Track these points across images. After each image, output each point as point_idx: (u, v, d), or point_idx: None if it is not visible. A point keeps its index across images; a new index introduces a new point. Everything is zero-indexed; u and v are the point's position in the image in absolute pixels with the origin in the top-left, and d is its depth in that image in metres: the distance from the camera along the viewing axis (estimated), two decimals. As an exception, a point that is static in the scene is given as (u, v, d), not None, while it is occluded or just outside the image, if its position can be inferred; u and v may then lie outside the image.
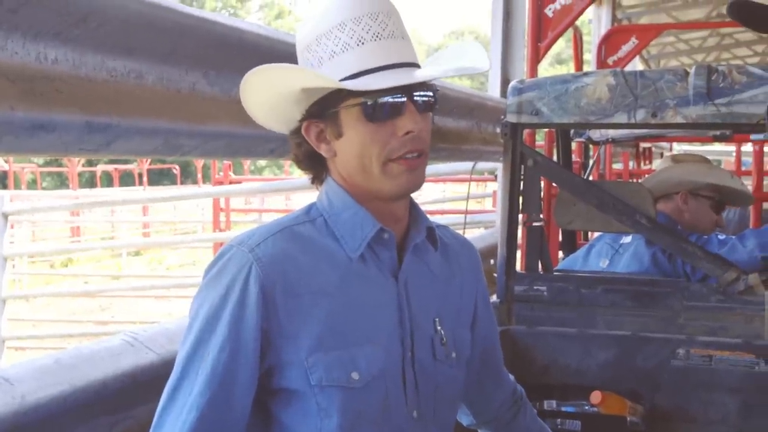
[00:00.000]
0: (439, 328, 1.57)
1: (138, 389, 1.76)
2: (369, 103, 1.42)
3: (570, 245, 3.83)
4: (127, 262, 16.51)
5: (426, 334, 1.55)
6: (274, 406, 1.46)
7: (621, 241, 3.26)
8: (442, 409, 1.58)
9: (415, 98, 1.44)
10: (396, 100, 1.42)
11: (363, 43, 1.43)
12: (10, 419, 1.47)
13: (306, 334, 1.42)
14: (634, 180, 8.36)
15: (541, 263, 3.03)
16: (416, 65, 1.48)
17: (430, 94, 1.47)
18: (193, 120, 1.90)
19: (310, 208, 1.55)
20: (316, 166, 1.55)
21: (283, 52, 2.13)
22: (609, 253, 3.29)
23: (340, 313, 1.45)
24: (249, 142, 2.13)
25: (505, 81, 4.75)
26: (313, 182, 1.58)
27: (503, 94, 4.49)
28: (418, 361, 1.52)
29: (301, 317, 1.42)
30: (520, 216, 2.95)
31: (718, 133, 3.98)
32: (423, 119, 1.46)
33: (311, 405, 1.42)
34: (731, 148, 10.64)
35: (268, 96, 1.48)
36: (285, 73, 1.44)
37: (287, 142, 1.62)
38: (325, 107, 1.46)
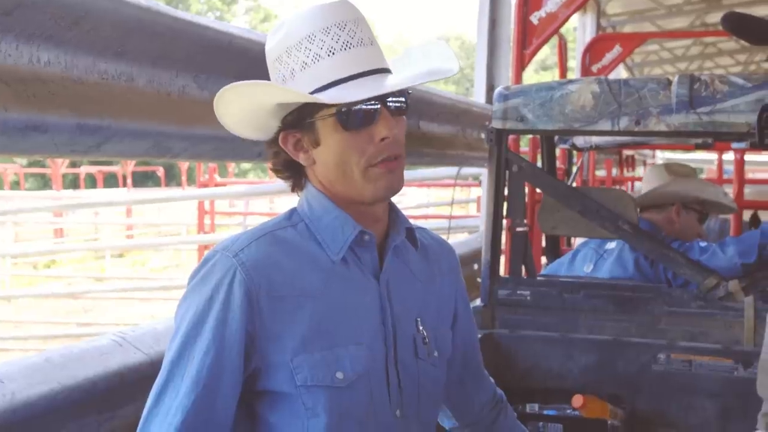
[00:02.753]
0: (420, 327, 1.60)
1: (125, 389, 1.77)
2: (343, 111, 1.45)
3: (553, 251, 3.86)
4: (111, 263, 16.45)
5: (408, 333, 1.58)
6: (260, 407, 1.49)
7: (606, 247, 3.30)
8: (425, 408, 1.61)
9: (389, 104, 1.48)
10: (369, 107, 1.46)
11: (333, 53, 1.46)
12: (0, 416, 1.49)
13: (290, 335, 1.44)
14: (618, 186, 8.41)
15: (525, 268, 3.06)
16: (386, 70, 1.52)
17: (402, 99, 1.51)
18: (182, 123, 1.92)
19: (291, 213, 1.58)
20: (294, 174, 1.58)
21: (272, 57, 2.16)
22: (593, 258, 3.33)
23: (323, 315, 1.47)
24: (237, 146, 2.15)
25: (490, 87, 4.78)
26: (293, 190, 1.61)
27: (488, 100, 4.52)
28: (401, 361, 1.55)
29: (285, 319, 1.45)
30: (504, 221, 2.99)
31: (700, 141, 4.02)
32: (397, 123, 1.49)
33: (298, 405, 1.45)
34: (713, 156, 10.73)
35: (242, 108, 1.51)
36: (258, 89, 1.47)
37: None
38: (300, 118, 1.49)
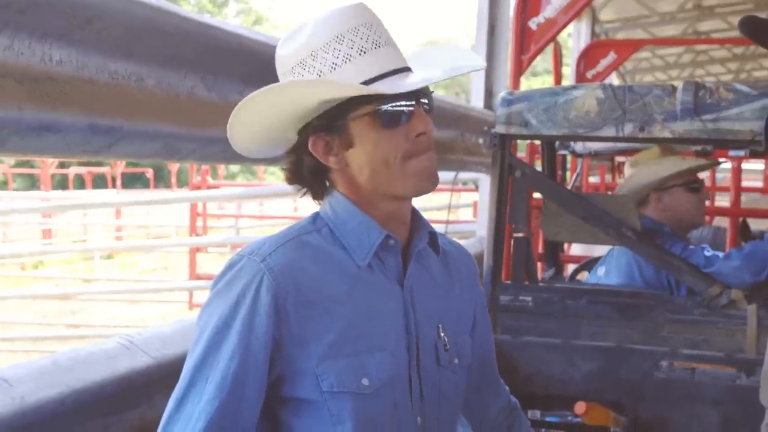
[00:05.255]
0: (442, 334, 1.59)
1: (133, 392, 1.76)
2: (383, 109, 1.43)
3: (552, 257, 3.86)
4: (99, 265, 16.38)
5: (430, 340, 1.56)
6: (284, 413, 1.47)
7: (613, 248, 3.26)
8: (445, 416, 1.60)
9: (422, 102, 1.48)
10: (406, 105, 1.45)
11: (364, 53, 1.45)
12: (9, 419, 1.47)
13: (317, 342, 1.43)
14: (610, 193, 8.41)
15: (527, 274, 3.05)
16: (409, 69, 1.51)
17: (427, 100, 1.50)
18: (191, 124, 1.91)
19: (315, 217, 1.55)
20: (318, 181, 1.55)
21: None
22: (606, 260, 3.32)
23: (349, 321, 1.46)
24: (244, 148, 2.14)
25: (488, 93, 4.79)
26: (314, 197, 1.58)
27: (487, 105, 4.53)
28: (423, 368, 1.54)
29: (312, 325, 1.43)
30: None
31: (699, 148, 4.02)
32: (429, 120, 1.49)
33: (323, 411, 1.43)
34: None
35: (262, 119, 1.48)
36: (306, 88, 1.44)
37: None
38: (331, 120, 1.46)
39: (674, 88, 2.65)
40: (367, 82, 1.44)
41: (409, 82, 1.45)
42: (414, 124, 1.46)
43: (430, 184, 1.49)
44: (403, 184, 1.47)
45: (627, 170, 3.40)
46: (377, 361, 1.46)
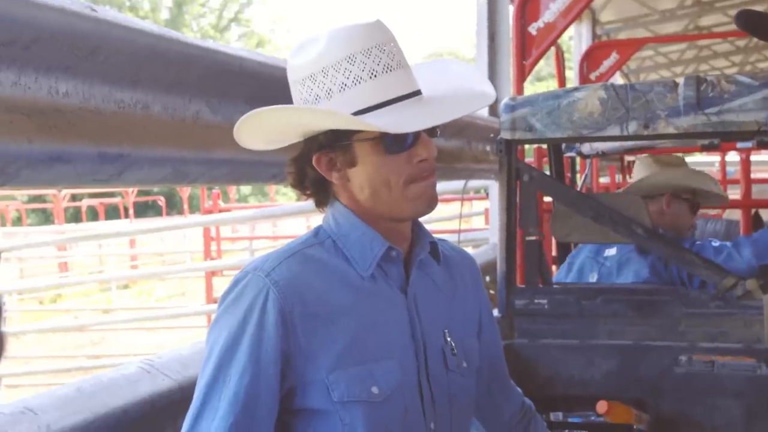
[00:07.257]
0: (448, 339, 1.61)
1: (156, 415, 1.78)
2: (387, 136, 1.45)
3: (565, 259, 3.85)
4: (117, 295, 16.44)
5: (437, 345, 1.58)
6: (297, 425, 1.49)
7: (605, 254, 3.27)
8: (457, 420, 1.61)
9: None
10: (412, 132, 1.46)
11: (375, 76, 1.45)
12: (36, 449, 1.49)
13: (325, 353, 1.45)
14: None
15: (541, 276, 3.06)
16: (420, 92, 1.51)
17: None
18: (198, 148, 1.93)
19: (318, 231, 1.58)
20: (320, 191, 1.58)
21: (282, 79, 2.17)
22: (594, 267, 3.31)
23: (356, 331, 1.48)
24: (252, 168, 2.16)
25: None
26: (318, 206, 1.61)
27: (492, 112, 4.53)
28: (432, 373, 1.56)
29: (319, 337, 1.45)
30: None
31: (706, 142, 4.02)
32: (433, 145, 1.51)
33: (335, 421, 1.45)
34: (713, 158, 10.73)
35: (270, 129, 1.51)
36: (311, 116, 1.46)
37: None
38: (336, 139, 1.48)
39: (676, 84, 2.66)
40: (375, 107, 1.45)
41: (414, 121, 1.45)
42: (418, 150, 1.48)
43: (428, 208, 1.52)
44: (402, 207, 1.50)
45: (649, 165, 3.46)
46: (385, 369, 1.48)
